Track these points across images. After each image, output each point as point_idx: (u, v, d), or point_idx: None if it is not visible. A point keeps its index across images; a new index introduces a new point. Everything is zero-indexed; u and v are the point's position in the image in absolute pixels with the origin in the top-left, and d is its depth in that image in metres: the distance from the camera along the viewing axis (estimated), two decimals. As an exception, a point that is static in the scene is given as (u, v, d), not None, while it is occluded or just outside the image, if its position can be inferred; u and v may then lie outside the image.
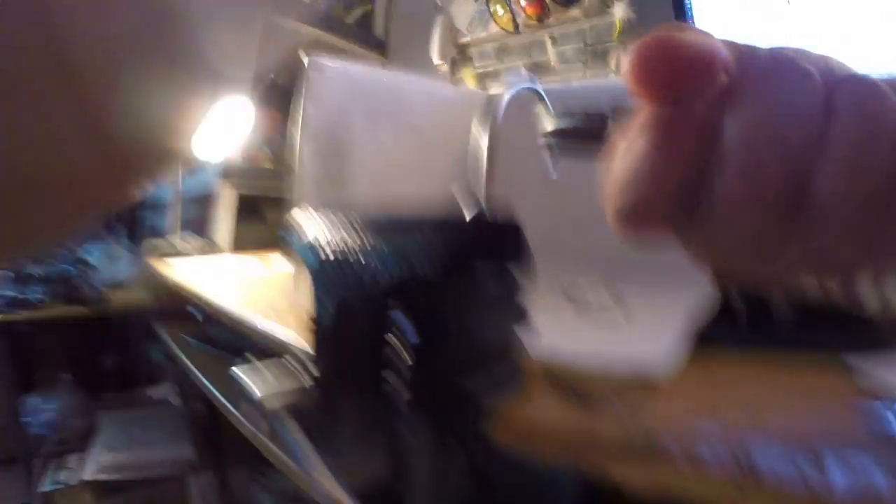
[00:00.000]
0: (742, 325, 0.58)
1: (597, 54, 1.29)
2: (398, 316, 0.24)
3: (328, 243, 0.29)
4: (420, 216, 0.26)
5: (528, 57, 1.42)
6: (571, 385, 0.33)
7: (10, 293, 1.87)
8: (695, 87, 0.17)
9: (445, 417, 0.24)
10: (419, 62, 1.67)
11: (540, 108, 0.29)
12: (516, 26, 1.39)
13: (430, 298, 0.23)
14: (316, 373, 0.28)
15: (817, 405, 0.35)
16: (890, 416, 0.31)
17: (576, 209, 0.80)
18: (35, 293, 1.90)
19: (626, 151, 0.19)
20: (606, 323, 0.53)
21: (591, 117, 0.26)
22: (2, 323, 1.79)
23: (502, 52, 1.48)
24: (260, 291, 0.86)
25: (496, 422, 0.27)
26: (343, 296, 0.27)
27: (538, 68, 1.39)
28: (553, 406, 0.30)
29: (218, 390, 0.97)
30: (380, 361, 0.25)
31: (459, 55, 1.57)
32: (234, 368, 0.26)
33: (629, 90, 0.18)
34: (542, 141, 0.28)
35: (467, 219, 0.24)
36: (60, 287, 1.95)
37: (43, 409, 1.88)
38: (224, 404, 0.92)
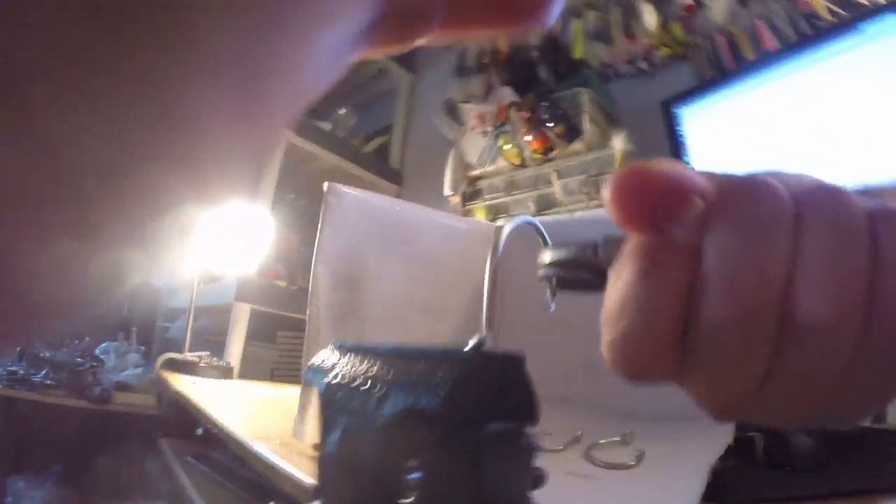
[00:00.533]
0: (761, 465, 0.57)
1: (599, 185, 1.35)
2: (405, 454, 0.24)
3: (335, 366, 0.30)
4: (425, 346, 0.27)
5: (535, 189, 1.48)
6: None
7: (14, 368, 1.85)
8: (670, 214, 0.18)
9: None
10: (432, 193, 1.74)
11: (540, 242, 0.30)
12: (523, 160, 1.47)
13: (436, 433, 0.24)
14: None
15: None
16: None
17: (583, 346, 0.81)
18: (40, 376, 1.88)
19: (616, 280, 0.19)
20: (624, 480, 0.51)
21: (582, 247, 0.26)
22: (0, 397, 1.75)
23: (510, 184, 1.55)
24: (266, 417, 0.85)
25: None
26: (348, 422, 0.27)
27: (544, 200, 1.45)
28: None
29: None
30: (386, 495, 0.25)
31: (470, 187, 1.64)
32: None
33: (612, 220, 0.19)
34: (540, 273, 0.29)
35: (468, 349, 0.25)
36: (67, 376, 1.93)
37: (27, 496, 1.80)
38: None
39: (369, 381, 0.26)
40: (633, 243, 0.19)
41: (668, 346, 0.18)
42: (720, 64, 1.28)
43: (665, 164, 0.18)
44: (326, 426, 0.29)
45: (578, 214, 0.86)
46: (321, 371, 0.31)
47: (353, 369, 0.29)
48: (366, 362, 0.29)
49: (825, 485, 0.48)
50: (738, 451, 0.60)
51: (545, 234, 0.33)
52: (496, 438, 0.26)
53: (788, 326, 0.16)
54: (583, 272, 0.27)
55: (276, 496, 0.56)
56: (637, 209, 0.18)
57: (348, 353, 0.31)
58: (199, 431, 1.46)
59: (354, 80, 2.26)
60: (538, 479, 0.31)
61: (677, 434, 0.64)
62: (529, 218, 0.40)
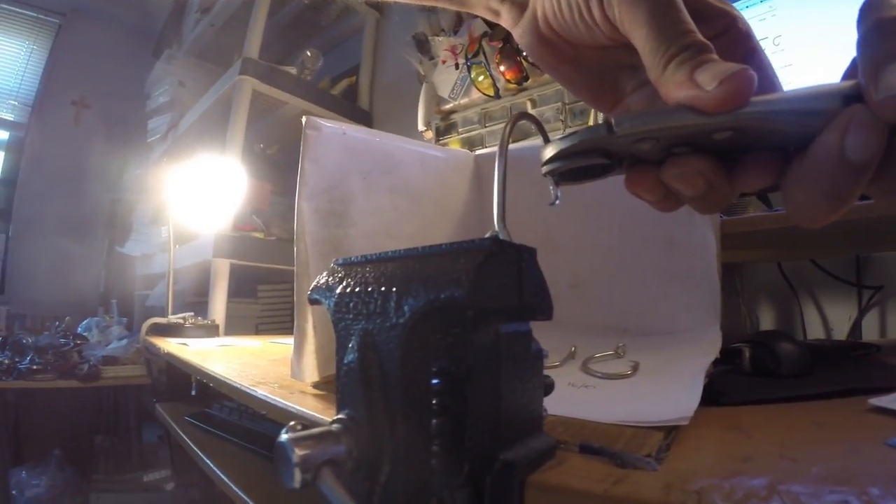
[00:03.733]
0: (749, 373, 0.59)
1: (575, 113, 1.34)
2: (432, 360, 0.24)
3: (343, 279, 0.29)
4: (434, 246, 0.26)
5: (510, 120, 1.45)
6: (605, 450, 0.32)
7: (-1, 359, 1.84)
8: None
9: (486, 489, 0.24)
10: (404, 131, 1.72)
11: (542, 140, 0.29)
12: (497, 91, 1.44)
13: (459, 336, 0.23)
14: (345, 419, 0.26)
15: (848, 445, 0.34)
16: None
17: (569, 267, 0.81)
18: (26, 362, 1.86)
19: None
20: (624, 387, 0.52)
21: (593, 129, 0.26)
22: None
23: (485, 116, 1.53)
24: (261, 367, 0.85)
25: (535, 494, 0.26)
26: (366, 328, 0.26)
27: (520, 130, 1.43)
28: (591, 475, 0.29)
29: (220, 470, 0.95)
30: (417, 404, 0.24)
31: (443, 122, 1.62)
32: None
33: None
34: (544, 170, 0.28)
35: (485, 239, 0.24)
36: (52, 358, 1.91)
37: (31, 485, 1.81)
38: (228, 485, 0.89)
39: (387, 283, 0.26)
40: None
41: None
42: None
43: None
44: (342, 338, 0.28)
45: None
46: (328, 288, 0.31)
47: (364, 277, 0.28)
48: (375, 270, 0.28)
49: (813, 387, 0.50)
50: (725, 362, 0.62)
51: (544, 129, 0.32)
52: (510, 340, 0.26)
53: None
54: (595, 156, 0.26)
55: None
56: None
57: (354, 267, 0.30)
58: (193, 392, 1.46)
59: (319, 20, 2.20)
60: (548, 387, 0.31)
61: (667, 346, 0.66)
62: (529, 112, 0.39)
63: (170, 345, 1.30)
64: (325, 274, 0.32)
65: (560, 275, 0.81)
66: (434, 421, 0.24)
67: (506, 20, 0.36)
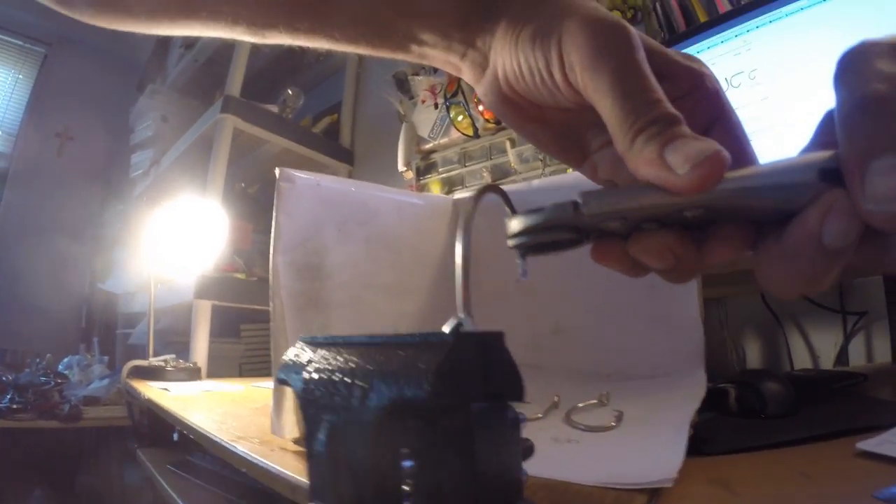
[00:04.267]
0: (735, 414, 0.58)
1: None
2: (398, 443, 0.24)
3: (311, 362, 0.29)
4: (402, 335, 0.26)
5: (489, 159, 1.47)
6: None
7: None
8: None
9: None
10: (385, 170, 1.73)
11: (507, 210, 0.29)
12: (476, 131, 1.46)
13: (427, 423, 0.23)
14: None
15: (836, 501, 0.34)
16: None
17: (550, 312, 0.81)
18: (6, 401, 1.82)
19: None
20: (608, 441, 0.51)
21: (559, 208, 0.25)
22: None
23: (464, 156, 1.54)
24: (242, 417, 0.84)
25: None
26: (333, 420, 0.26)
27: (499, 170, 1.45)
28: None
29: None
30: (386, 495, 0.24)
31: (423, 161, 1.63)
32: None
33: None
34: (510, 243, 0.28)
35: (446, 331, 0.24)
36: (33, 397, 1.87)
37: None
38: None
39: (350, 376, 0.26)
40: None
41: None
42: (672, 27, 1.28)
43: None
44: (310, 426, 0.28)
45: (536, 182, 0.86)
46: (295, 368, 0.30)
47: (330, 364, 0.28)
48: (342, 355, 0.28)
49: (800, 429, 0.50)
50: (710, 403, 0.61)
51: (511, 201, 0.32)
52: (483, 415, 0.26)
53: None
54: (562, 232, 0.26)
55: (272, 498, 0.55)
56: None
57: (321, 348, 0.30)
58: (176, 437, 1.43)
59: (302, 58, 2.21)
60: (527, 450, 0.31)
61: (652, 392, 0.66)
62: (494, 184, 0.39)
63: (151, 389, 1.28)
64: (291, 351, 0.32)
65: (542, 320, 0.81)
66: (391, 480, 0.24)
67: (467, 77, 0.35)
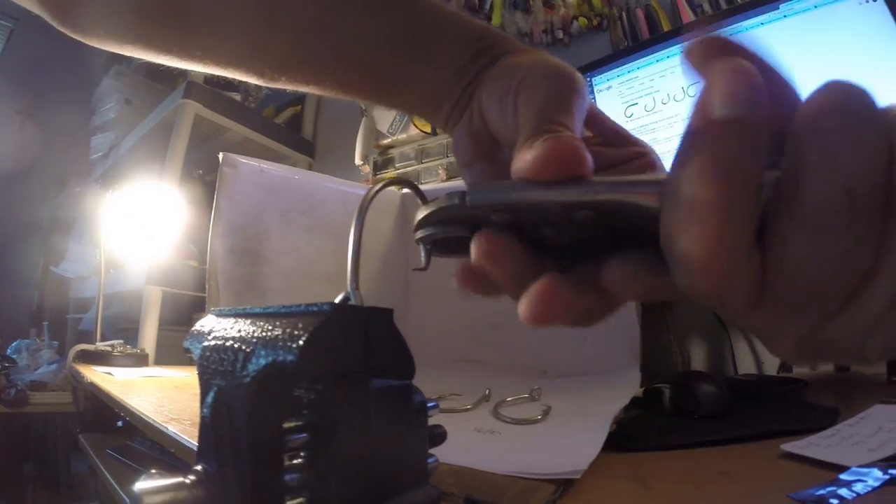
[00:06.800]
0: (668, 414, 0.59)
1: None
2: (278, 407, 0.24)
3: (212, 332, 0.30)
4: (293, 305, 0.27)
5: (446, 157, 1.49)
6: (489, 503, 0.32)
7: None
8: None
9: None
10: (344, 164, 1.72)
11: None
12: (433, 128, 1.47)
13: (320, 395, 0.23)
14: (199, 469, 0.26)
15: (752, 499, 0.34)
16: (829, 500, 0.31)
17: (490, 309, 0.82)
18: None
19: (683, 186, 0.18)
20: (529, 434, 0.52)
21: (451, 196, 0.24)
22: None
23: (421, 153, 1.55)
24: (180, 401, 0.83)
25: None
26: (220, 384, 0.27)
27: (455, 168, 1.46)
28: None
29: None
30: (266, 461, 0.24)
31: (381, 156, 1.64)
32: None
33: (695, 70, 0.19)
34: (415, 236, 0.27)
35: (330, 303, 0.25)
36: None
37: None
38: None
39: (239, 342, 0.27)
40: (699, 140, 0.17)
41: (746, 255, 0.17)
42: (636, 35, 1.31)
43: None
44: (203, 391, 0.28)
45: (447, 184, 0.87)
46: (199, 337, 0.31)
47: (226, 333, 0.29)
48: (238, 324, 0.29)
49: (729, 430, 0.50)
50: (646, 402, 0.63)
51: (423, 193, 0.33)
52: (383, 395, 0.27)
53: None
54: (456, 227, 0.25)
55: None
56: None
57: (225, 318, 0.31)
58: (120, 423, 1.42)
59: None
60: (437, 437, 0.31)
61: (584, 388, 0.67)
62: (403, 179, 0.40)
63: (95, 373, 1.25)
64: (200, 322, 0.33)
65: (482, 316, 0.82)
66: (294, 476, 0.24)
67: (440, 120, 0.36)
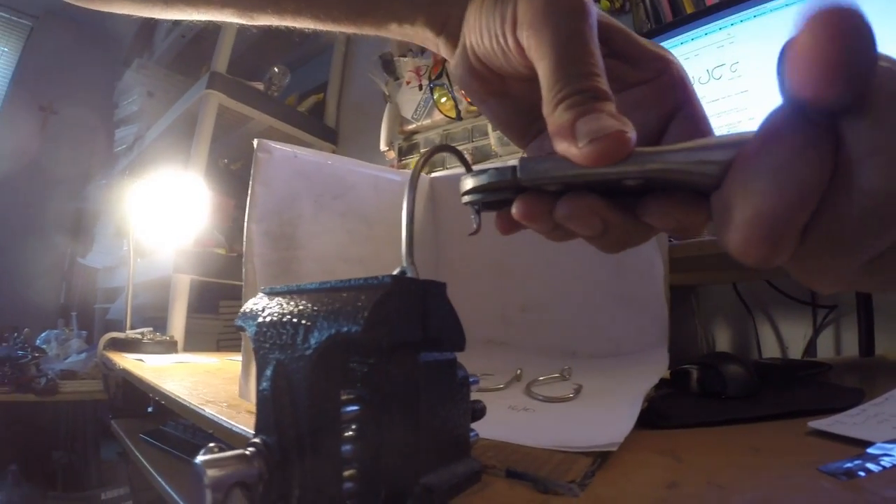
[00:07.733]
0: (696, 394, 0.59)
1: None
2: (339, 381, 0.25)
3: (266, 309, 0.30)
4: (346, 280, 0.27)
5: (471, 142, 1.49)
6: (530, 475, 0.32)
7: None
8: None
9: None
10: (367, 151, 1.73)
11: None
12: (458, 113, 1.47)
13: (372, 368, 0.24)
14: (260, 443, 0.27)
15: (781, 471, 0.34)
16: (857, 472, 0.31)
17: (520, 291, 0.81)
18: None
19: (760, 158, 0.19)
20: (562, 411, 0.52)
21: (500, 171, 0.26)
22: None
23: (446, 138, 1.55)
24: (213, 385, 0.84)
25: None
26: (279, 358, 0.27)
27: (480, 152, 1.46)
28: (513, 500, 0.29)
29: (174, 490, 0.94)
30: (324, 431, 0.25)
31: (406, 142, 1.64)
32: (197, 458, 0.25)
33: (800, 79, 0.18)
34: (463, 200, 0.28)
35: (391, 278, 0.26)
36: (9, 370, 1.87)
37: None
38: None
39: (298, 317, 0.27)
40: (777, 125, 0.19)
41: (799, 229, 0.19)
42: (659, 17, 1.29)
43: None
44: (260, 366, 0.29)
45: (513, 161, 0.87)
46: (252, 315, 0.32)
47: (283, 309, 0.29)
48: (294, 301, 0.29)
49: (757, 409, 0.50)
50: (673, 383, 0.63)
51: (467, 160, 0.33)
52: (430, 368, 0.27)
53: None
54: (507, 193, 0.27)
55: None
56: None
57: (278, 296, 0.31)
58: (150, 409, 1.44)
59: (290, 36, 2.20)
60: (478, 412, 0.32)
61: (614, 368, 0.67)
62: (448, 145, 0.40)
63: (126, 360, 1.28)
64: (251, 301, 0.33)
65: (511, 298, 0.83)
66: (348, 447, 0.25)
67: (444, 52, 0.36)
